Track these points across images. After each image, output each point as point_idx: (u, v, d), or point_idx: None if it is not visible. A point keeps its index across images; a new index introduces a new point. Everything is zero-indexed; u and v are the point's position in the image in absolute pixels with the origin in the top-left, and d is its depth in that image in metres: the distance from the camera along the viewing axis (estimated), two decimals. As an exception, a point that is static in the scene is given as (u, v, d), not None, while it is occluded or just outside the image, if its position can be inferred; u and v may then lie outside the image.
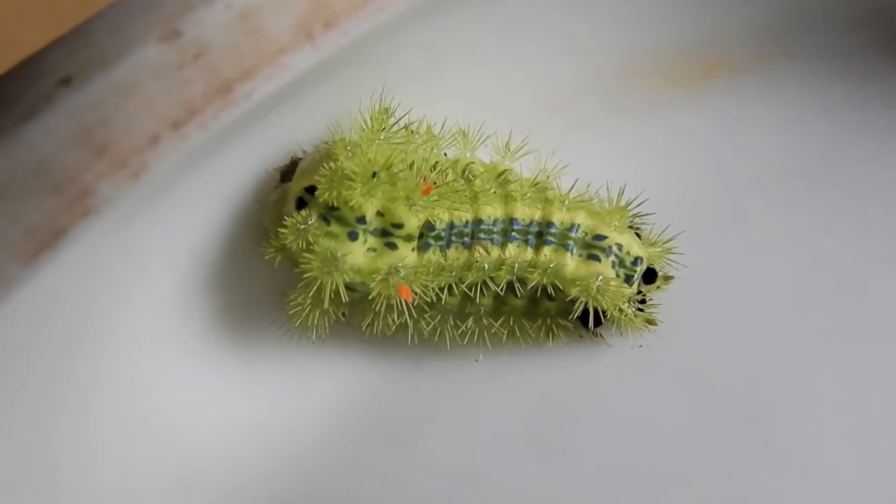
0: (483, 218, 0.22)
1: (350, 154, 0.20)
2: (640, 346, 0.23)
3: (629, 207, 0.23)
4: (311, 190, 0.20)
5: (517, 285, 0.22)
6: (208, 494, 0.21)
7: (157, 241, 0.20)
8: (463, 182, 0.22)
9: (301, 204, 0.20)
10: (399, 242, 0.21)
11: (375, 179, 0.20)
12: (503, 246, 0.22)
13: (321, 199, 0.20)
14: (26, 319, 0.17)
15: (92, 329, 0.20)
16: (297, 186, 0.20)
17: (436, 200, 0.21)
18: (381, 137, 0.21)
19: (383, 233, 0.20)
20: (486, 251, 0.22)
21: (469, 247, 0.22)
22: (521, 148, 0.23)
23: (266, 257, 0.20)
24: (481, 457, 0.22)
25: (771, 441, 0.22)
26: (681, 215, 0.25)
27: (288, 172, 0.21)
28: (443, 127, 0.22)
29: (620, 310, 0.23)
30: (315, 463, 0.21)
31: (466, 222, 0.21)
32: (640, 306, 0.24)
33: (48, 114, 0.15)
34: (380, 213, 0.20)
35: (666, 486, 0.22)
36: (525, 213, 0.22)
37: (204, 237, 0.21)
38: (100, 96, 0.16)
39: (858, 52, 0.26)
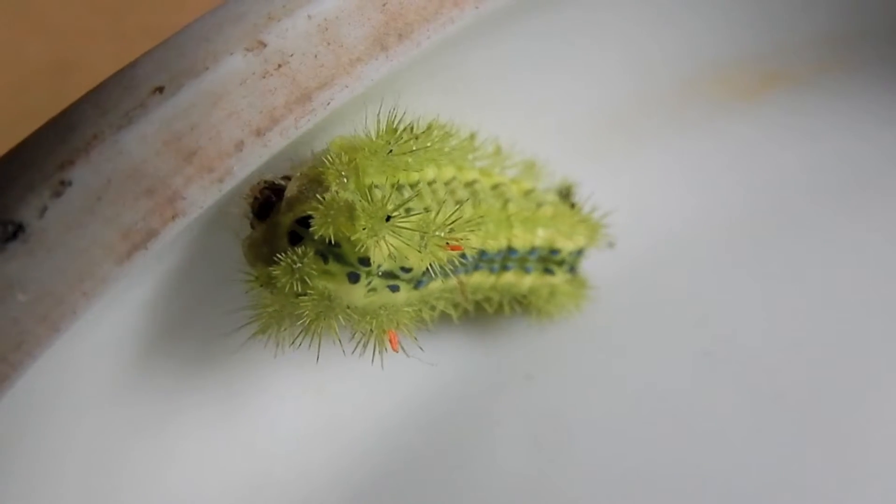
0: (487, 250, 0.20)
1: (344, 181, 0.17)
2: (706, 355, 0.23)
3: (571, 197, 0.23)
4: (303, 222, 0.17)
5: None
6: (282, 498, 0.21)
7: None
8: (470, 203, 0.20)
9: (294, 238, 0.17)
10: (402, 286, 0.18)
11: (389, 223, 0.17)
12: (470, 274, 0.21)
13: (318, 236, 0.17)
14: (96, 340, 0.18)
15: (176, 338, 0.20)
16: (287, 220, 0.17)
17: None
18: (390, 157, 0.18)
19: (390, 275, 0.18)
20: (462, 282, 0.21)
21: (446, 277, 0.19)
22: (514, 156, 0.23)
23: (248, 291, 0.18)
24: (545, 461, 0.22)
25: (839, 450, 0.22)
26: (741, 225, 0.26)
27: (264, 205, 0.18)
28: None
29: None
30: (385, 464, 0.22)
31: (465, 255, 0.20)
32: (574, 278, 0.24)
33: (142, 121, 0.16)
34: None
35: (735, 495, 0.22)
36: (501, 242, 0.21)
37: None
38: (190, 104, 0.16)
39: (917, 62, 0.26)
